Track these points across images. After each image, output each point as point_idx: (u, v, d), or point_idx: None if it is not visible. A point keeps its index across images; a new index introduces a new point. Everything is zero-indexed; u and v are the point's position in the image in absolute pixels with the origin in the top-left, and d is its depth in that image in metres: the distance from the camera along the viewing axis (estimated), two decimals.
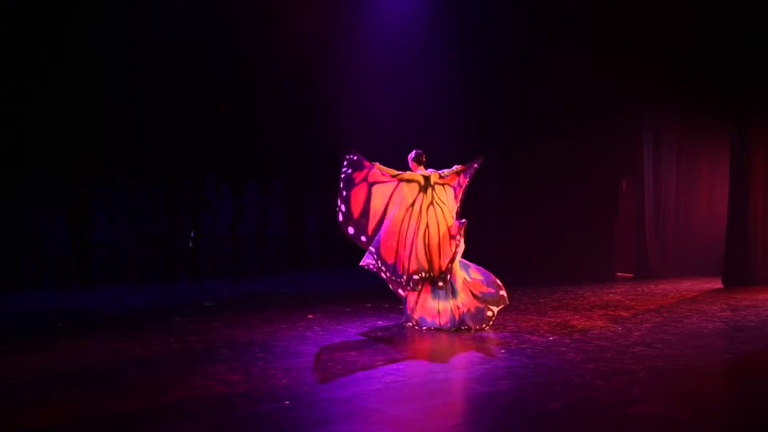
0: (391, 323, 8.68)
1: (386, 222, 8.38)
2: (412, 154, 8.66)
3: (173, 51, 13.46)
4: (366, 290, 11.34)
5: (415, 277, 8.23)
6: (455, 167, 8.70)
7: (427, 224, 8.33)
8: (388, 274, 8.31)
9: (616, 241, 14.68)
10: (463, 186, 8.68)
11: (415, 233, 8.30)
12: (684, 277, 13.54)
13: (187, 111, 13.70)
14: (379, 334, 8.11)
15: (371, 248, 8.34)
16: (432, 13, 15.60)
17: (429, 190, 8.46)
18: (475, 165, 8.73)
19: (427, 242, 8.29)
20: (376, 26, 15.69)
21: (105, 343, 7.48)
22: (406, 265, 8.25)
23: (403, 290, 8.36)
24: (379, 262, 8.30)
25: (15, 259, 11.39)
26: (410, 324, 8.47)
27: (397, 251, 8.31)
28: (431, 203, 8.43)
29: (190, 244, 13.16)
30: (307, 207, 15.04)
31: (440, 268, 8.27)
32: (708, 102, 13.60)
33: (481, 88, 15.25)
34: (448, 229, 8.34)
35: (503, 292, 8.50)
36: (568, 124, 14.40)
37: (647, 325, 8.70)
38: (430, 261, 8.27)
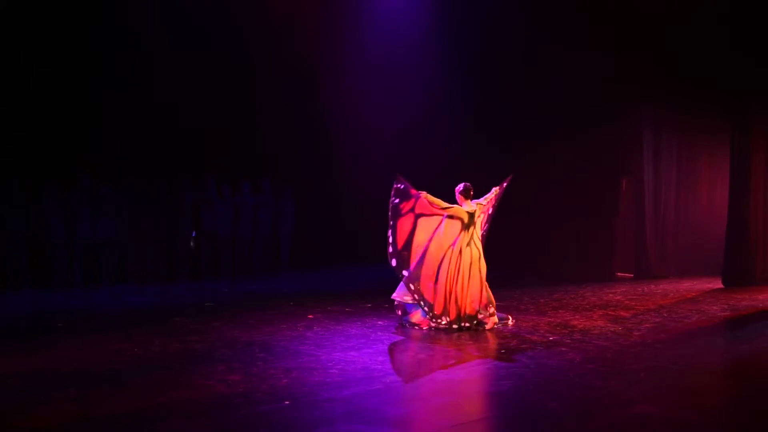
0: (391, 323, 8.67)
1: (425, 258, 8.29)
2: (460, 186, 8.47)
3: (173, 51, 13.47)
4: (366, 290, 11.34)
5: (455, 326, 8.21)
6: (494, 190, 8.59)
7: (462, 266, 8.24)
8: (426, 311, 8.28)
9: (616, 241, 14.69)
10: (488, 212, 8.65)
11: (455, 278, 8.23)
12: (684, 277, 13.53)
13: (187, 111, 13.68)
14: (379, 334, 8.10)
15: (411, 285, 8.27)
16: (432, 13, 15.61)
17: (470, 228, 8.35)
18: (504, 184, 8.67)
19: (461, 285, 8.24)
20: (375, 26, 15.69)
21: (105, 343, 7.48)
22: (447, 308, 8.23)
23: (433, 323, 8.32)
24: (416, 295, 8.26)
25: (15, 259, 11.37)
26: (408, 324, 8.50)
27: (435, 291, 8.26)
28: (469, 242, 8.32)
29: (191, 244, 13.14)
30: (309, 207, 15.02)
31: (467, 311, 8.28)
32: (708, 102, 13.61)
33: (480, 88, 15.25)
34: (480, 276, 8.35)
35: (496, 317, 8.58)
36: (568, 124, 14.40)
37: (647, 325, 8.70)
38: (460, 305, 8.25)
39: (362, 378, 6.16)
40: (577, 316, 9.27)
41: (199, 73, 13.91)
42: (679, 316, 9.43)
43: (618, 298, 11.09)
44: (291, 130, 15.38)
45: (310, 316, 9.10)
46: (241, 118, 14.67)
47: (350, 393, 5.69)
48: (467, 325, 8.27)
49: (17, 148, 12.02)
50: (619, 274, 14.35)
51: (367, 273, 14.08)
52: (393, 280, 8.62)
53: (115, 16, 13.02)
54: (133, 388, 5.80)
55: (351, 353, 7.06)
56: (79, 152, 12.50)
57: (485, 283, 8.47)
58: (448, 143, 15.43)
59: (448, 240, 8.32)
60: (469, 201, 8.46)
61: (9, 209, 11.25)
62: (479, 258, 8.41)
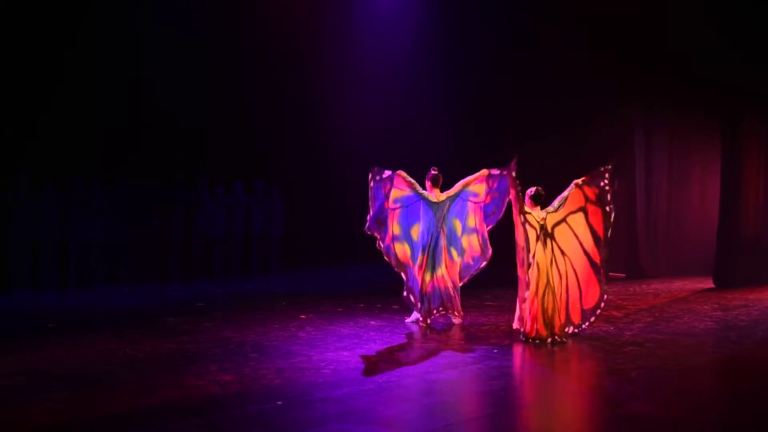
0: (384, 323, 8.68)
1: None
2: (531, 190, 8.07)
3: (168, 52, 13.46)
4: (359, 290, 11.34)
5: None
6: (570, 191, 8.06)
7: (539, 280, 7.83)
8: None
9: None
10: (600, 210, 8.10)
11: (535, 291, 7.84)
12: (675, 277, 13.57)
13: (180, 111, 13.66)
14: (371, 334, 8.10)
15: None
16: (428, 12, 15.62)
17: (546, 240, 7.96)
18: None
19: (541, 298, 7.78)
20: (366, 27, 15.69)
21: (97, 343, 7.45)
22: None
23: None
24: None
25: (7, 259, 11.32)
26: (410, 320, 8.55)
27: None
28: (543, 254, 7.91)
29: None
30: (301, 207, 15.00)
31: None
32: (700, 101, 13.65)
33: (475, 88, 15.26)
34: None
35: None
36: (559, 124, 14.42)
37: (639, 325, 8.73)
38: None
39: (354, 378, 6.16)
40: None
41: (192, 74, 13.90)
42: (671, 315, 9.46)
43: (609, 297, 11.06)
44: (284, 130, 15.38)
45: (303, 317, 9.09)
46: (235, 119, 14.66)
47: (342, 393, 5.69)
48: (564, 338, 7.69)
49: (13, 149, 12.00)
50: (610, 273, 14.36)
51: (360, 273, 14.07)
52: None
53: (111, 17, 13.01)
54: (124, 389, 5.78)
55: (343, 353, 7.06)
56: (72, 152, 12.47)
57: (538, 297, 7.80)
58: (439, 143, 15.42)
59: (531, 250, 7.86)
60: (538, 207, 7.99)
61: (16, 204, 11.19)
62: (548, 272, 7.83)
